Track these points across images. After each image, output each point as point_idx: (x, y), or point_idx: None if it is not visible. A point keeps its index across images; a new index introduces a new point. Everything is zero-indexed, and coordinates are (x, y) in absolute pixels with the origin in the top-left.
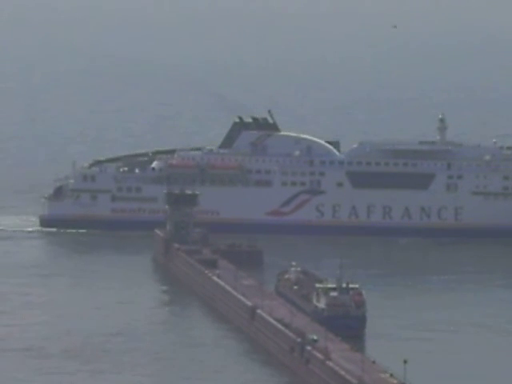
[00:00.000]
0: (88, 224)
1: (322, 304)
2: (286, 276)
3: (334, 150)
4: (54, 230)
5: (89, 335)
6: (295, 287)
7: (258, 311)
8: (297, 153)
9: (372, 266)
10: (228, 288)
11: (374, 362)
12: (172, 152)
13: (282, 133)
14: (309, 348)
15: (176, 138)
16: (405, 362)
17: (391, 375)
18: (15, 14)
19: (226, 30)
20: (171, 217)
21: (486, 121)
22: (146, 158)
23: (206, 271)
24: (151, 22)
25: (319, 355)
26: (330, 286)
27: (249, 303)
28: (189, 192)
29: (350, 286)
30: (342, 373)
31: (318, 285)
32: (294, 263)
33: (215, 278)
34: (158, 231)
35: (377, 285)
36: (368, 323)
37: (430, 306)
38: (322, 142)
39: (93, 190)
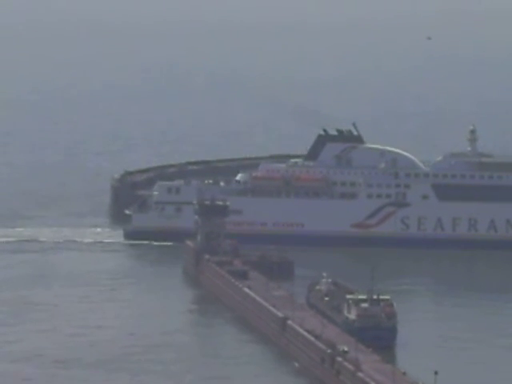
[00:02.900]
0: (172, 236)
1: (352, 315)
2: (317, 287)
3: (420, 163)
4: (138, 242)
5: (119, 346)
6: (326, 298)
7: (289, 322)
8: (382, 165)
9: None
10: (259, 299)
11: (404, 374)
12: (205, 163)
13: (367, 145)
14: (339, 359)
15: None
16: (435, 373)
17: None
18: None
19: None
20: (202, 227)
21: None
22: (175, 169)
23: (237, 282)
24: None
25: (350, 366)
26: (360, 297)
27: (280, 314)
28: (219, 203)
29: (381, 297)
30: None
31: (348, 296)
32: (324, 274)
33: (246, 289)
34: (188, 242)
35: (417, 296)
36: (399, 334)
37: (462, 317)
38: (408, 154)
39: (177, 202)
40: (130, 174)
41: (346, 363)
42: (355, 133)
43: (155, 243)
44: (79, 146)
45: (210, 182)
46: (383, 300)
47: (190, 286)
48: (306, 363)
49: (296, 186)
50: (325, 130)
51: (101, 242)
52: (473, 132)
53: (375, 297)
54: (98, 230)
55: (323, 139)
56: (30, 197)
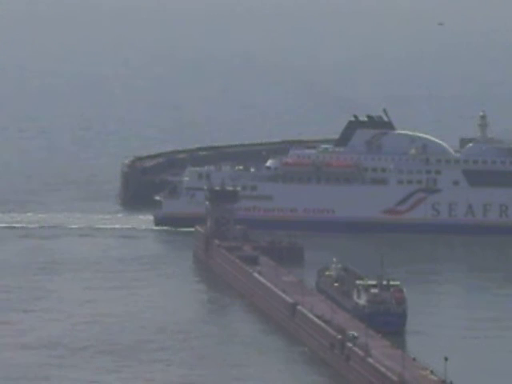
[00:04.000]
0: (202, 222)
1: (362, 301)
2: (327, 272)
3: (450, 149)
4: (169, 228)
5: (130, 334)
6: (336, 284)
7: (299, 308)
8: (412, 151)
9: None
10: (268, 284)
11: (414, 359)
12: (215, 149)
13: (397, 131)
14: (349, 345)
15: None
16: (445, 359)
17: (431, 372)
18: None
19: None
20: (212, 213)
21: None
22: (185, 155)
23: (247, 268)
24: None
25: (359, 352)
26: (370, 282)
27: (289, 300)
28: (230, 188)
29: (391, 282)
30: (383, 369)
31: (358, 281)
32: (334, 259)
33: (256, 275)
34: (198, 227)
35: (443, 283)
36: (408, 320)
37: (482, 304)
38: (438, 140)
39: None
40: (140, 159)
41: (355, 349)
42: (386, 119)
43: (166, 228)
44: (89, 131)
45: (241, 167)
46: (393, 286)
47: (199, 271)
48: (316, 348)
49: (326, 171)
50: (355, 116)
51: (111, 228)
52: (483, 117)
53: (385, 282)
54: (108, 216)
55: (354, 125)
56: (40, 182)
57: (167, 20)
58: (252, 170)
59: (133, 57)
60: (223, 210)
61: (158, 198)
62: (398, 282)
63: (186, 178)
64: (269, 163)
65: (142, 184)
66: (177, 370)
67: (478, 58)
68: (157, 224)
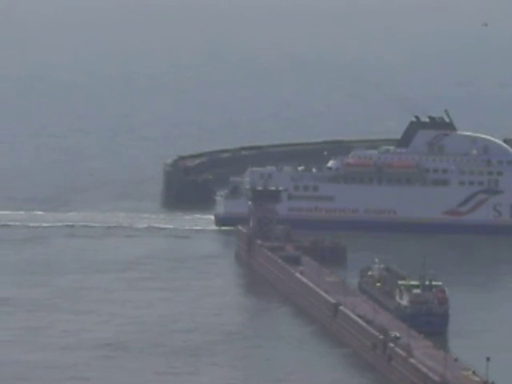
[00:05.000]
0: None
1: (404, 301)
2: (369, 273)
3: (511, 150)
4: (229, 228)
5: (174, 333)
6: (378, 284)
7: (341, 308)
8: (474, 152)
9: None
10: (311, 285)
11: (456, 360)
12: (258, 148)
13: (459, 132)
14: (391, 345)
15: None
16: (488, 359)
17: (474, 373)
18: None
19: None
20: (254, 213)
21: None
22: (228, 154)
23: (289, 268)
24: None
25: (402, 352)
26: (412, 283)
27: (332, 300)
28: (272, 188)
29: (433, 283)
30: (425, 370)
31: (400, 282)
32: (377, 260)
33: (298, 275)
34: (241, 227)
35: (468, 282)
36: (451, 320)
37: None
38: (500, 141)
39: None
40: (183, 158)
41: (397, 349)
42: (447, 120)
43: (209, 228)
44: (133, 131)
45: (302, 168)
46: (435, 286)
47: (242, 271)
48: (358, 349)
49: (388, 172)
50: (417, 117)
51: (154, 227)
52: None
53: (427, 283)
54: (151, 215)
55: (415, 126)
56: (83, 181)
57: (213, 19)
58: (313, 170)
59: (177, 56)
60: (265, 209)
61: (217, 197)
62: (440, 283)
63: (247, 179)
64: (330, 164)
65: (185, 184)
66: (220, 371)
67: None
68: (217, 224)
